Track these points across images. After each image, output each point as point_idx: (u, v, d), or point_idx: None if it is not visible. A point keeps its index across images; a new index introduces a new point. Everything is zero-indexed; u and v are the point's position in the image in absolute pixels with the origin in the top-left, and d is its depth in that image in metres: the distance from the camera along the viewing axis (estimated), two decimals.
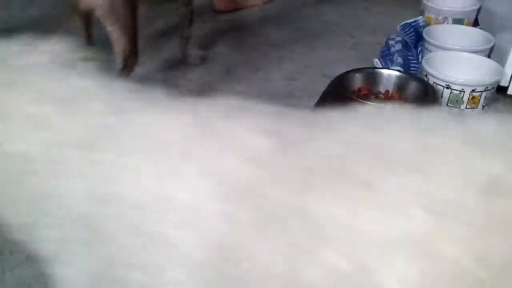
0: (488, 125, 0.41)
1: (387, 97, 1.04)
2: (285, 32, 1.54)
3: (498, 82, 1.09)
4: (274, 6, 1.75)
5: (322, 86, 1.10)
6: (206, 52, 1.31)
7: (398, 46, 1.25)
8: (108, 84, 0.47)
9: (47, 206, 0.44)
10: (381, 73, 1.07)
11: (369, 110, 0.48)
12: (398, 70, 1.11)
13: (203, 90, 1.18)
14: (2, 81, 0.45)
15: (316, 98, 1.02)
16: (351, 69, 1.11)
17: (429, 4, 1.46)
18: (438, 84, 1.06)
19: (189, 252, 0.40)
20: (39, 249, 0.57)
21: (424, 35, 1.24)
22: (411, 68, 1.20)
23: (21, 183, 0.44)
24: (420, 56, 1.25)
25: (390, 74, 1.07)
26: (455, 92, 1.05)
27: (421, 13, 1.52)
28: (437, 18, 1.44)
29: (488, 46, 1.19)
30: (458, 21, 1.41)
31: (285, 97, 1.15)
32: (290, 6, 1.73)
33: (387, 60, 1.22)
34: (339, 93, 0.98)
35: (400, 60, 1.20)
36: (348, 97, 0.97)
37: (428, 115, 0.43)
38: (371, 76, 1.07)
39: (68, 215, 0.43)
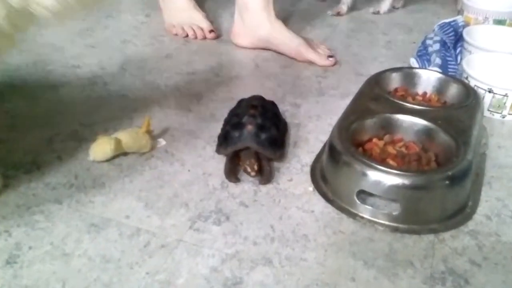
0: None
1: (424, 99, 0.99)
2: (315, 28, 1.49)
3: None
4: (305, 2, 1.70)
5: (354, 84, 1.05)
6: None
7: (436, 46, 1.19)
8: None
9: None
10: (419, 74, 1.02)
11: None
12: (437, 71, 1.05)
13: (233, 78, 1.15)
14: None
15: (349, 96, 0.97)
16: (386, 68, 1.06)
17: (469, 3, 1.39)
18: (480, 88, 1.00)
19: None
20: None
21: (465, 36, 1.18)
22: (449, 69, 1.14)
23: None
24: (459, 57, 1.19)
25: (429, 75, 1.01)
26: (497, 96, 0.99)
27: (459, 12, 1.46)
28: (477, 18, 1.38)
29: None
30: (499, 22, 1.35)
31: (317, 95, 1.10)
32: (320, 2, 1.68)
33: (424, 60, 1.17)
34: (375, 93, 0.93)
35: (438, 60, 1.14)
36: (384, 97, 0.92)
37: None
38: (409, 77, 1.02)
39: None
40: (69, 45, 1.33)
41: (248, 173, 0.81)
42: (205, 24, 1.38)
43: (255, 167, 0.81)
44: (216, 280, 0.65)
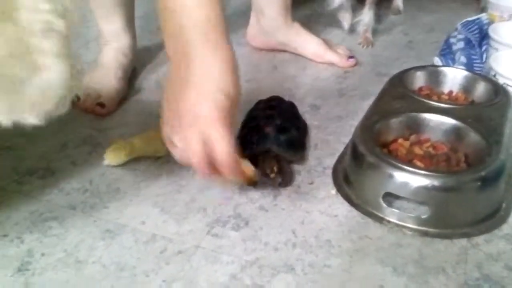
0: None
1: (451, 98, 0.94)
2: (334, 29, 1.45)
3: None
4: (322, 3, 1.67)
5: (375, 85, 1.01)
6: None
7: (461, 44, 1.15)
8: None
9: None
10: (445, 72, 0.97)
11: None
12: (463, 69, 1.01)
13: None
14: None
15: (371, 97, 0.93)
16: (409, 67, 1.01)
17: (493, 1, 1.34)
18: (509, 86, 0.96)
19: None
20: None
21: (490, 33, 1.13)
22: (475, 68, 1.09)
23: None
24: (484, 56, 1.15)
25: (455, 73, 0.97)
26: None
27: (482, 10, 1.41)
28: (501, 16, 1.33)
29: None
30: None
31: (337, 96, 1.07)
32: None
33: (448, 59, 1.12)
34: (399, 92, 0.89)
35: (463, 59, 1.10)
36: (409, 96, 0.88)
37: None
38: (434, 75, 0.97)
39: None
40: (84, 51, 1.32)
41: (267, 176, 0.78)
42: None
43: (275, 168, 0.77)
44: None
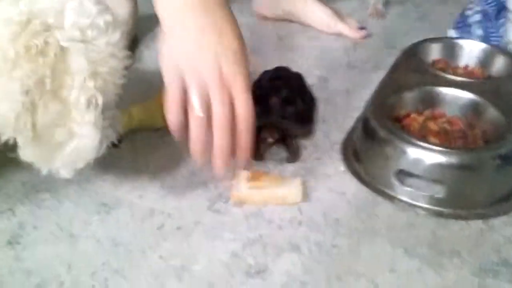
0: None
1: (466, 73, 0.90)
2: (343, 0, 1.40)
3: None
4: None
5: (387, 57, 0.97)
6: None
7: (477, 17, 1.10)
8: None
9: None
10: (461, 45, 0.93)
11: None
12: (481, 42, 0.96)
13: None
14: None
15: (382, 70, 0.89)
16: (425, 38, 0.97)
17: None
18: None
19: None
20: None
21: (508, 5, 1.08)
22: (491, 41, 1.04)
23: None
24: (501, 28, 1.10)
25: (472, 47, 0.92)
26: None
27: None
28: None
29: None
30: None
31: (346, 68, 1.02)
32: None
33: (464, 32, 1.07)
34: (413, 65, 0.85)
35: (480, 32, 1.05)
36: (424, 69, 0.83)
37: None
38: (450, 48, 0.92)
39: None
40: None
41: (267, 144, 0.74)
42: None
43: (276, 135, 0.74)
44: (237, 267, 0.59)
